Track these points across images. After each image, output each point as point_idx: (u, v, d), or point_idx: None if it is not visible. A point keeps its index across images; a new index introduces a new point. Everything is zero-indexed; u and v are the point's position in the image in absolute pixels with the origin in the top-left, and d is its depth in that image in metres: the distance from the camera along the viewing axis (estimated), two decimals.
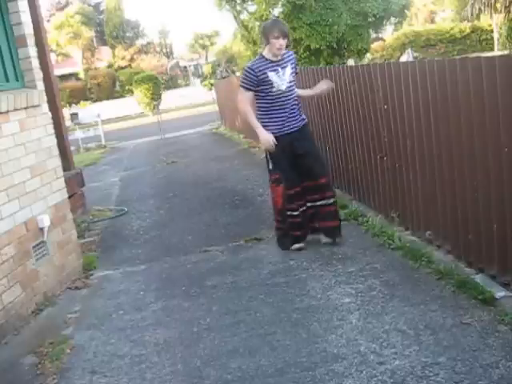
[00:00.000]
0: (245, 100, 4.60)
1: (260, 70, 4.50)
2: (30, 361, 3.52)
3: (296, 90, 4.71)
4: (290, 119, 4.60)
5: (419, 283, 3.71)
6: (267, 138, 4.51)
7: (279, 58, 4.57)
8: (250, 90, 4.55)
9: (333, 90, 5.89)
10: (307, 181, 4.64)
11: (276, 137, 4.53)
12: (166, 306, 4.07)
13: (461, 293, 3.45)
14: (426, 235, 4.32)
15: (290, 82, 4.58)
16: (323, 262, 4.35)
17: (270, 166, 4.69)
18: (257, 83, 4.50)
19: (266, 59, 4.55)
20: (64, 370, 3.37)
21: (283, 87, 4.52)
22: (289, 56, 4.68)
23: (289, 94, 4.57)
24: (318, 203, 4.68)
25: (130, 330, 3.78)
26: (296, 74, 4.79)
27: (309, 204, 4.70)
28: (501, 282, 3.43)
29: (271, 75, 4.50)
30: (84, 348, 3.62)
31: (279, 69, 4.54)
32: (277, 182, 4.67)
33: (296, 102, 4.66)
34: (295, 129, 4.62)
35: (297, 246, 4.68)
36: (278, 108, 4.56)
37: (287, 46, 4.62)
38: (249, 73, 4.53)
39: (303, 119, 4.72)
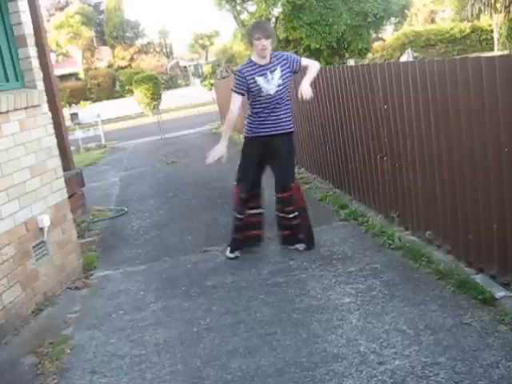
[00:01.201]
0: (235, 104, 4.53)
1: (249, 75, 4.43)
2: (30, 361, 3.52)
3: (286, 93, 4.52)
4: (279, 121, 4.50)
5: (419, 283, 3.71)
6: (220, 149, 4.55)
7: (268, 61, 4.45)
8: (241, 94, 4.49)
9: (333, 90, 5.90)
10: (277, 191, 4.64)
11: (255, 138, 4.54)
12: (165, 306, 4.07)
13: (461, 293, 3.45)
14: (426, 235, 4.32)
15: (280, 85, 4.44)
16: (323, 262, 4.36)
17: (239, 165, 4.76)
18: (247, 87, 4.44)
19: (255, 63, 4.46)
20: (64, 370, 3.37)
21: (272, 92, 4.42)
22: (279, 58, 4.51)
23: (279, 97, 4.45)
24: (281, 215, 4.69)
25: (130, 329, 3.78)
26: (295, 72, 4.60)
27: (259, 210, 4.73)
28: (501, 282, 3.43)
29: (259, 80, 4.41)
30: (84, 348, 3.62)
31: (268, 73, 4.42)
32: (237, 182, 4.75)
33: (286, 105, 4.53)
34: (282, 131, 4.52)
35: (231, 255, 4.79)
36: (266, 111, 4.47)
37: (273, 46, 4.50)
38: (239, 77, 4.47)
39: (290, 127, 4.58)
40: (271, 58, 4.49)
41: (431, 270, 3.84)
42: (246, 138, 4.66)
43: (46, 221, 4.47)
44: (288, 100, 4.56)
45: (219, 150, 4.56)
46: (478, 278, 3.57)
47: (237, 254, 4.79)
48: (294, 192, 4.62)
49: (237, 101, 4.52)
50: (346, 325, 3.33)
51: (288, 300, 3.81)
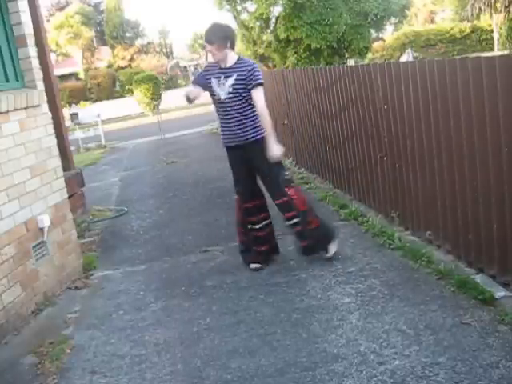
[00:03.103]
0: (189, 88, 4.50)
1: (207, 74, 4.36)
2: (29, 361, 3.52)
3: (242, 103, 4.23)
4: (232, 129, 4.30)
5: (419, 283, 3.71)
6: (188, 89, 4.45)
7: (228, 65, 4.26)
8: (196, 84, 4.39)
9: (333, 90, 5.90)
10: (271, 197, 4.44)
11: (224, 145, 4.45)
12: (165, 306, 4.07)
13: (461, 293, 3.45)
14: (426, 235, 4.32)
15: (229, 94, 4.21)
16: (323, 262, 4.35)
17: None
18: (200, 83, 4.36)
19: (216, 65, 4.33)
20: (64, 370, 3.37)
21: (222, 97, 4.25)
22: (242, 66, 4.24)
23: (229, 104, 4.24)
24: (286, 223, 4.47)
25: (130, 329, 3.78)
26: (246, 85, 4.20)
27: (267, 221, 4.50)
28: (501, 282, 3.43)
29: (213, 81, 4.29)
30: (84, 348, 3.62)
31: (222, 77, 4.25)
32: (236, 194, 4.57)
33: (238, 116, 4.24)
34: (240, 143, 4.30)
35: (254, 266, 4.45)
36: (221, 117, 4.36)
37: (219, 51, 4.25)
38: (199, 72, 4.51)
39: (251, 136, 4.27)
40: (236, 64, 4.26)
41: (431, 270, 3.84)
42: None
43: (46, 221, 4.47)
44: (243, 108, 4.24)
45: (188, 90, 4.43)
46: (478, 278, 3.57)
47: (259, 265, 4.46)
48: (292, 197, 4.32)
49: (190, 87, 4.46)
50: (346, 325, 3.33)
51: (288, 300, 3.81)
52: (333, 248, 4.37)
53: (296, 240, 4.50)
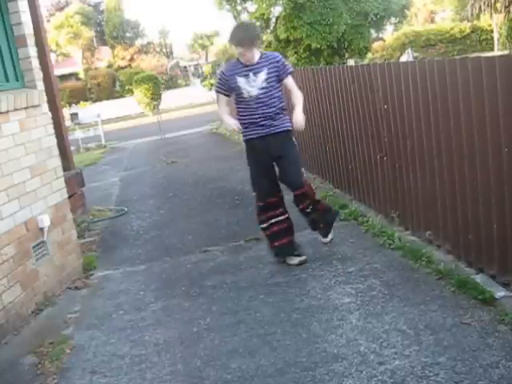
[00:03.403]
0: (220, 103, 4.50)
1: (230, 75, 4.33)
2: (30, 361, 3.52)
3: (274, 94, 4.32)
4: (265, 123, 4.32)
5: (419, 283, 3.71)
6: (230, 122, 4.39)
7: (253, 62, 4.30)
8: (222, 93, 4.44)
9: (333, 90, 5.90)
10: (292, 191, 4.47)
11: (250, 140, 4.42)
12: (166, 306, 4.07)
13: (461, 293, 3.45)
14: (426, 235, 4.32)
15: (263, 88, 4.27)
16: (323, 262, 4.35)
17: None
18: (227, 87, 4.36)
19: (239, 63, 4.35)
20: (64, 370, 3.37)
21: (254, 93, 4.27)
22: (269, 60, 4.34)
23: (262, 99, 4.28)
24: (308, 210, 4.50)
25: (130, 329, 3.78)
26: (279, 77, 4.34)
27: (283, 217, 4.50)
28: (501, 282, 3.43)
29: (240, 80, 4.28)
30: (84, 348, 3.62)
31: (251, 74, 4.27)
32: (253, 191, 4.58)
33: (272, 108, 4.31)
34: (271, 133, 4.35)
35: (297, 260, 4.41)
36: (250, 112, 4.33)
37: (254, 48, 4.29)
38: (220, 77, 4.44)
39: (283, 126, 4.38)
40: (261, 59, 4.33)
41: (431, 270, 3.84)
42: (244, 141, 4.53)
43: (46, 221, 4.47)
44: (277, 99, 4.35)
45: (228, 121, 4.42)
46: (478, 278, 3.56)
47: (302, 258, 4.44)
48: (306, 189, 4.49)
49: (220, 100, 4.50)
50: (346, 325, 3.32)
51: (288, 300, 3.81)
52: (330, 235, 4.63)
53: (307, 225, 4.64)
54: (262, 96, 4.30)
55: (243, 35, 4.31)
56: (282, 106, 4.41)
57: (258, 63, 4.33)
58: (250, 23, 4.51)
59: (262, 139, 4.37)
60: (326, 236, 4.63)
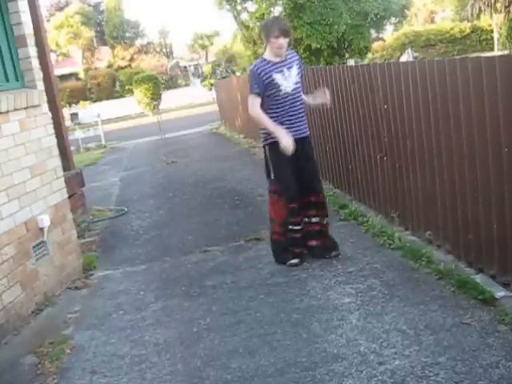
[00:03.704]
0: (256, 105, 4.22)
1: (265, 73, 4.20)
2: (30, 361, 3.52)
3: (301, 92, 4.38)
4: (297, 123, 4.29)
5: (419, 283, 3.71)
6: (289, 141, 4.12)
7: (283, 58, 4.26)
8: (259, 94, 4.21)
9: (333, 90, 5.90)
10: (308, 195, 4.38)
11: (278, 144, 4.19)
12: (165, 306, 4.07)
13: (461, 293, 3.45)
14: (426, 235, 4.32)
15: (296, 83, 4.28)
16: (323, 262, 4.35)
17: (272, 176, 4.36)
18: (263, 87, 4.19)
19: (269, 61, 4.24)
20: (64, 370, 3.37)
21: (289, 89, 4.22)
22: (293, 56, 4.39)
23: (296, 96, 4.28)
24: (314, 220, 4.42)
25: (130, 329, 3.78)
26: (302, 75, 4.46)
27: (305, 219, 4.42)
28: (501, 282, 3.43)
29: (277, 77, 4.19)
30: (84, 348, 3.62)
31: (285, 69, 4.23)
32: (278, 194, 4.34)
33: (302, 106, 4.35)
34: (302, 135, 4.32)
35: (293, 261, 4.36)
36: (285, 112, 4.24)
37: (289, 46, 4.35)
38: (255, 77, 4.22)
39: (306, 130, 4.39)
40: (288, 54, 4.34)
41: (431, 270, 3.84)
42: (269, 144, 4.29)
43: (46, 221, 4.47)
44: (302, 99, 4.37)
45: (288, 141, 4.13)
46: (478, 278, 3.56)
47: (298, 260, 4.38)
48: (323, 198, 4.47)
49: (257, 103, 4.22)
50: (346, 325, 3.32)
51: (288, 300, 3.81)
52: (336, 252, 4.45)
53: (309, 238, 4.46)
54: (295, 92, 4.28)
55: (287, 27, 4.30)
56: (304, 107, 4.41)
57: (288, 58, 4.31)
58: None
59: (293, 139, 4.23)
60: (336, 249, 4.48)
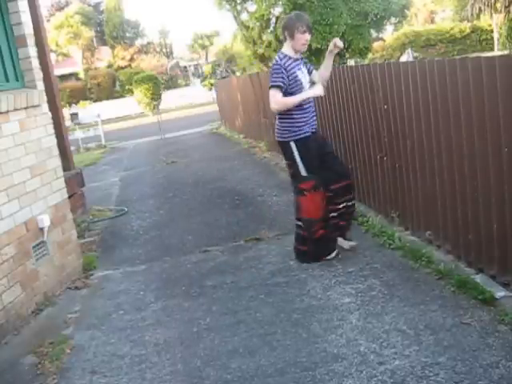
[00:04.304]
0: (278, 97, 4.11)
1: (291, 69, 4.15)
2: (30, 361, 3.52)
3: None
4: (313, 118, 4.33)
5: (419, 283, 3.71)
6: (319, 89, 4.16)
7: (298, 55, 4.26)
8: (281, 88, 4.10)
9: (333, 90, 5.90)
10: (337, 181, 4.34)
11: (307, 138, 4.22)
12: (165, 306, 4.07)
13: (461, 293, 3.45)
14: (426, 235, 4.32)
15: (310, 81, 4.32)
16: (323, 261, 4.35)
17: (304, 173, 4.24)
18: (287, 82, 4.11)
19: (290, 57, 4.18)
20: (64, 370, 3.37)
21: (307, 85, 4.23)
22: (300, 55, 4.39)
23: None
24: (350, 203, 4.46)
25: (130, 329, 3.78)
26: (311, 72, 4.46)
27: (342, 205, 4.42)
28: (501, 282, 3.43)
29: (299, 74, 4.19)
30: (84, 348, 3.62)
31: (302, 67, 4.25)
32: (315, 188, 4.24)
33: (313, 104, 4.40)
34: (315, 129, 4.36)
35: (334, 254, 4.37)
36: (305, 109, 4.22)
37: None
38: (281, 72, 4.10)
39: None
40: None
41: (431, 270, 3.84)
42: (297, 140, 4.22)
43: (46, 221, 4.47)
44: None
45: (318, 89, 4.19)
46: (478, 278, 3.56)
47: (335, 252, 4.40)
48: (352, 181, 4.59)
49: (279, 95, 4.11)
50: (346, 325, 3.32)
51: (288, 300, 3.81)
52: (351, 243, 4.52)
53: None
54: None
55: (310, 23, 4.26)
56: None
57: (301, 57, 4.32)
58: None
59: (314, 135, 4.31)
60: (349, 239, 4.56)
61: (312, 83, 4.36)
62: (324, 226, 4.33)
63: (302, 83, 4.19)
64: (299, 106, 4.20)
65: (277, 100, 4.13)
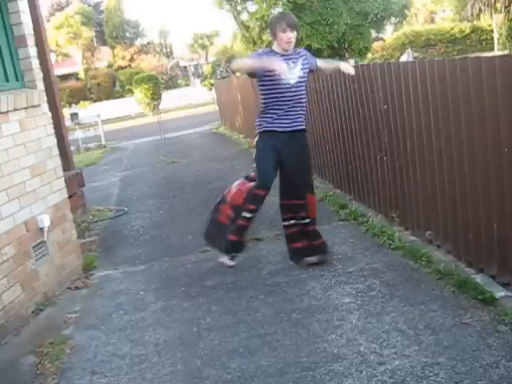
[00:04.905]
0: (249, 59, 4.26)
1: (272, 56, 4.17)
2: (30, 361, 3.51)
3: (304, 89, 4.30)
4: (292, 118, 4.22)
5: (419, 283, 3.71)
6: (282, 65, 4.01)
7: (290, 52, 4.24)
8: (256, 57, 4.23)
9: (333, 90, 5.90)
10: (289, 198, 4.34)
11: (269, 132, 4.21)
12: (166, 306, 4.07)
13: (461, 293, 3.45)
14: (426, 235, 4.32)
15: (300, 77, 4.20)
16: (323, 262, 4.34)
17: (254, 163, 4.36)
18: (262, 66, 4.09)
19: (276, 53, 4.21)
20: (64, 370, 3.37)
21: (292, 81, 4.14)
22: (299, 53, 4.33)
23: (296, 89, 4.20)
24: (303, 222, 4.37)
25: (130, 329, 3.78)
26: (311, 71, 4.44)
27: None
28: (501, 282, 3.43)
29: None
30: (84, 348, 3.62)
31: (290, 62, 4.16)
32: (249, 179, 4.42)
33: (304, 102, 4.29)
34: (298, 127, 4.26)
35: (229, 262, 4.42)
36: (282, 103, 4.17)
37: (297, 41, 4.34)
38: (258, 52, 4.37)
39: (303, 124, 4.32)
40: (294, 50, 4.30)
41: (431, 270, 3.84)
42: (260, 133, 4.29)
43: (46, 221, 4.47)
44: (305, 95, 4.32)
45: (278, 63, 4.02)
46: (478, 278, 3.57)
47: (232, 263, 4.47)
48: (308, 202, 4.32)
49: (252, 58, 4.26)
50: (346, 325, 3.32)
51: (288, 300, 3.81)
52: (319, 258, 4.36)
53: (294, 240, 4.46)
54: (297, 86, 4.21)
55: (294, 20, 4.28)
56: (306, 102, 4.38)
57: (294, 53, 4.28)
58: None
59: (281, 134, 4.21)
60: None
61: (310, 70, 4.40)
62: (230, 218, 4.46)
63: (279, 76, 4.07)
64: (269, 99, 4.20)
65: (244, 61, 4.33)
